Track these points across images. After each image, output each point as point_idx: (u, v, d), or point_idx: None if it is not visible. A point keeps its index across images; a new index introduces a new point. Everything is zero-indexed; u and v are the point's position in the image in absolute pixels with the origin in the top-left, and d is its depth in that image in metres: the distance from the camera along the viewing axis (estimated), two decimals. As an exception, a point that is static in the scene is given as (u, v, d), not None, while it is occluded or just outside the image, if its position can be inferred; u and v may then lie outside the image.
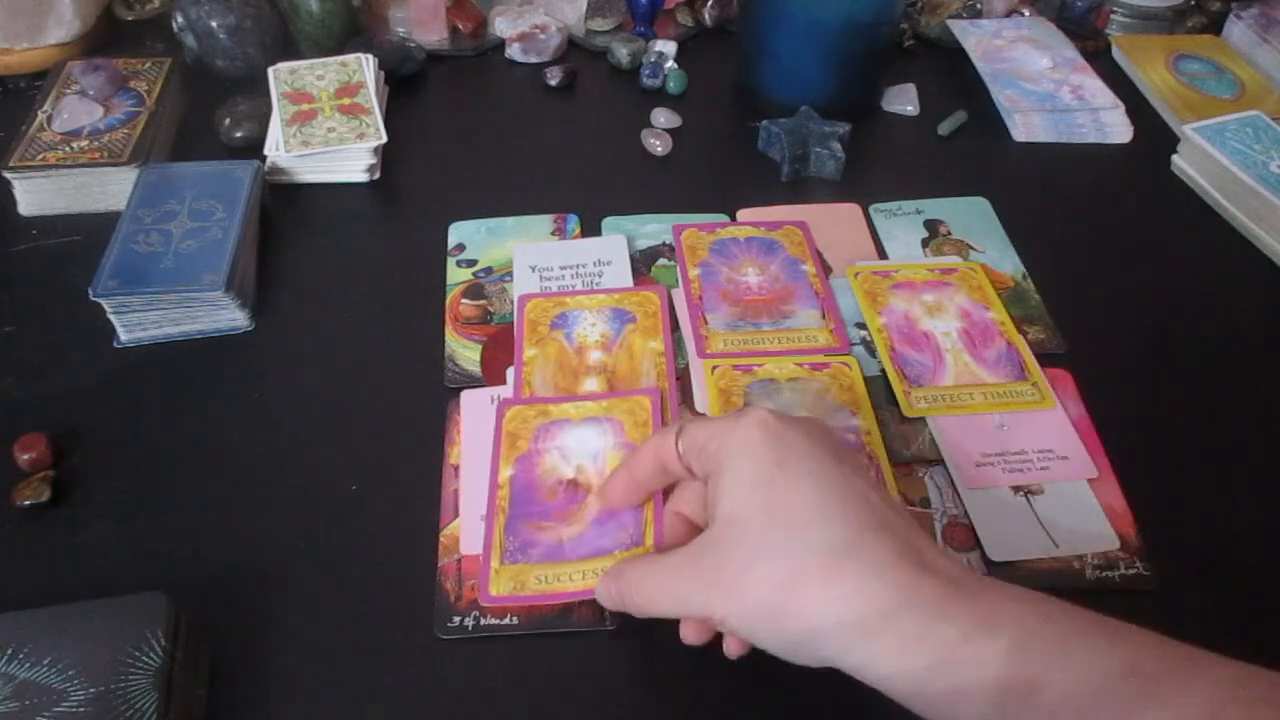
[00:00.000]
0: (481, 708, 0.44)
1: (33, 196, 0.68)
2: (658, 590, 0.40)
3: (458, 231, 0.68)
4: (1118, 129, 0.79)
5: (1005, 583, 0.36)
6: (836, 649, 0.35)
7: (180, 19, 0.80)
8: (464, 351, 0.59)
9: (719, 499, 0.39)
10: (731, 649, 0.42)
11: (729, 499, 0.38)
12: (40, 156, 0.68)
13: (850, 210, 0.71)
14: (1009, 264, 0.67)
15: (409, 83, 0.83)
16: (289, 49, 0.83)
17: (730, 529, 0.38)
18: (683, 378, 0.58)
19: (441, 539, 0.49)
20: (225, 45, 0.80)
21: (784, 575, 0.36)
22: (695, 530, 0.43)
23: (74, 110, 0.71)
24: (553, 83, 0.83)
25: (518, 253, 0.66)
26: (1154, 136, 0.80)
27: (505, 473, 0.51)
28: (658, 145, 0.76)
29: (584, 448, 0.52)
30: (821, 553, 0.35)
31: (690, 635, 0.42)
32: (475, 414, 0.55)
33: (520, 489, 0.51)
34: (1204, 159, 0.73)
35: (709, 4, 0.91)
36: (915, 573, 0.35)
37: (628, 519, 0.49)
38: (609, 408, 0.54)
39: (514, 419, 0.54)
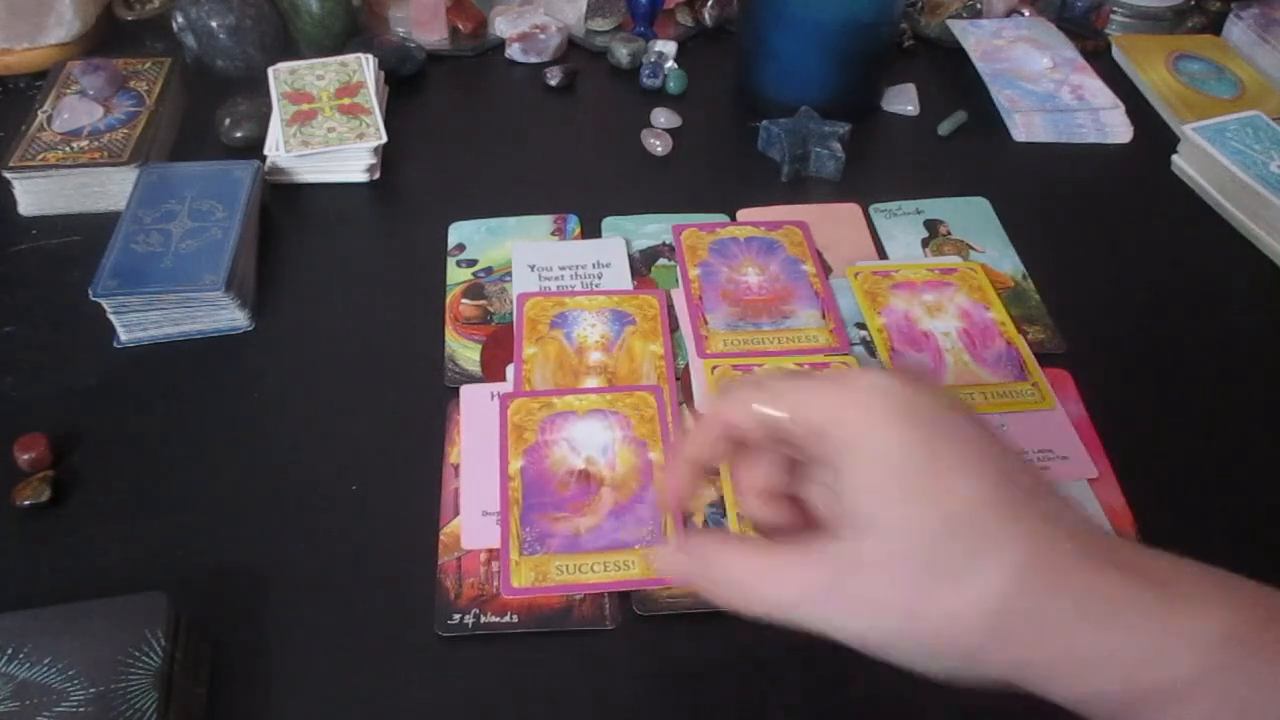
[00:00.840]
0: (481, 706, 0.44)
1: (33, 196, 0.68)
2: (756, 586, 0.32)
3: (458, 231, 0.68)
4: (1118, 129, 0.79)
5: (1196, 565, 0.30)
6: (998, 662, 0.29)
7: (180, 19, 0.80)
8: (464, 351, 0.59)
9: (854, 496, 0.30)
10: None
11: (868, 499, 0.30)
12: (40, 156, 0.68)
13: (850, 210, 0.71)
14: (1009, 264, 0.67)
15: (409, 83, 0.83)
16: (289, 49, 0.83)
17: (870, 538, 0.30)
18: (683, 378, 0.58)
19: (441, 537, 0.49)
20: (225, 45, 0.80)
21: (926, 586, 0.29)
22: (790, 511, 0.35)
23: (74, 110, 0.71)
24: (553, 83, 0.83)
25: (516, 251, 0.66)
26: (1154, 136, 0.80)
27: (515, 465, 0.52)
28: (658, 145, 0.76)
29: (591, 440, 0.53)
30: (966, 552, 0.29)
31: None
32: (475, 409, 0.55)
33: (531, 480, 0.51)
34: (1204, 159, 0.73)
35: (709, 4, 0.91)
36: (1101, 569, 0.28)
37: (646, 515, 0.49)
38: (612, 401, 0.54)
39: (518, 411, 0.54)
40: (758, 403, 0.33)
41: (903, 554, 0.29)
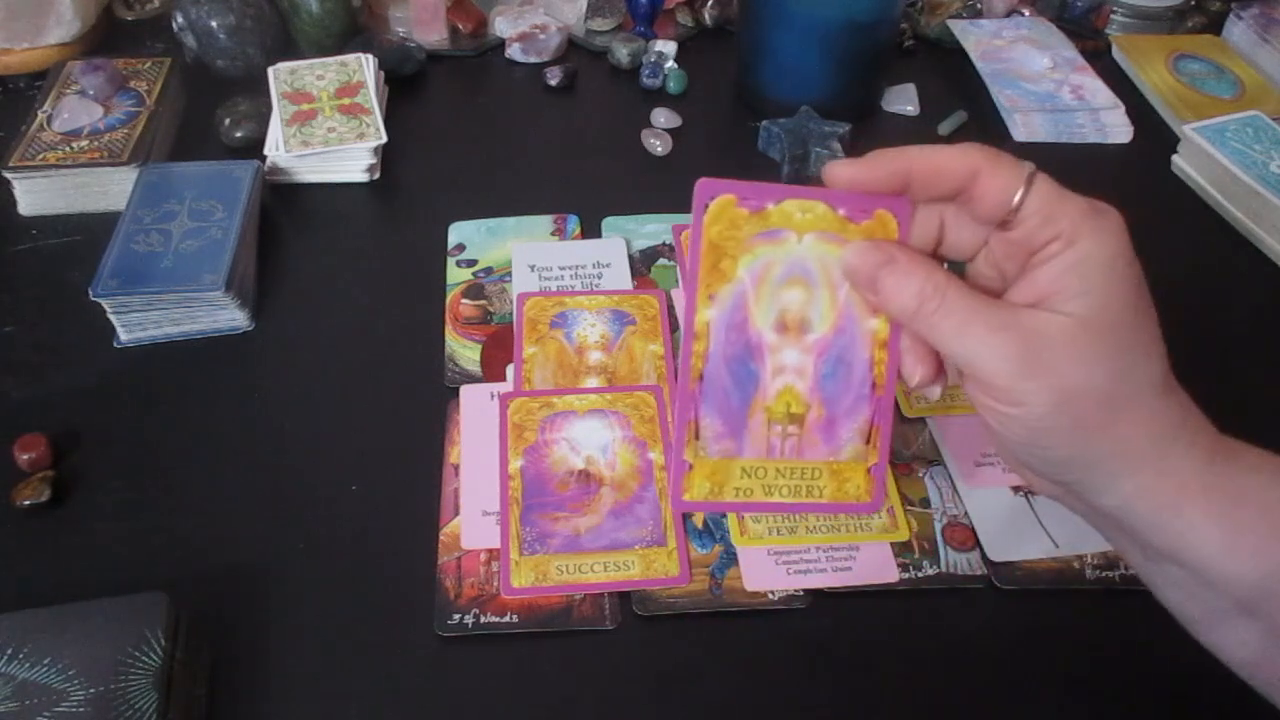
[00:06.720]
0: (481, 706, 0.44)
1: (33, 196, 0.68)
2: (961, 328, 0.36)
3: (458, 231, 0.68)
4: (1118, 129, 0.79)
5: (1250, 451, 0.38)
6: (1109, 476, 0.36)
7: (180, 19, 0.80)
8: (464, 351, 0.59)
9: (1081, 291, 0.36)
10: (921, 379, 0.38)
11: (1095, 298, 0.36)
12: (40, 156, 0.68)
13: (850, 210, 0.71)
14: (1009, 264, 0.67)
15: (409, 83, 0.83)
16: (289, 49, 0.83)
17: (1085, 329, 0.35)
18: (683, 378, 0.58)
19: (441, 537, 0.49)
20: (225, 45, 0.80)
21: (1114, 394, 0.36)
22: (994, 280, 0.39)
23: (74, 110, 0.71)
24: (553, 83, 0.83)
25: (516, 252, 0.66)
26: (1154, 136, 0.80)
27: (514, 464, 0.52)
28: (658, 145, 0.76)
29: (592, 439, 0.53)
30: (1152, 386, 0.37)
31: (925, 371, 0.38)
32: (475, 409, 0.55)
33: (531, 480, 0.51)
34: (1204, 159, 0.73)
35: (709, 4, 0.91)
36: (1196, 431, 0.38)
37: (646, 515, 0.49)
38: (612, 401, 0.54)
39: (518, 410, 0.54)
40: (1025, 177, 0.38)
41: (1101, 348, 0.35)
